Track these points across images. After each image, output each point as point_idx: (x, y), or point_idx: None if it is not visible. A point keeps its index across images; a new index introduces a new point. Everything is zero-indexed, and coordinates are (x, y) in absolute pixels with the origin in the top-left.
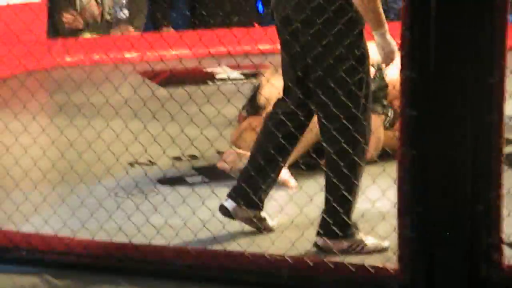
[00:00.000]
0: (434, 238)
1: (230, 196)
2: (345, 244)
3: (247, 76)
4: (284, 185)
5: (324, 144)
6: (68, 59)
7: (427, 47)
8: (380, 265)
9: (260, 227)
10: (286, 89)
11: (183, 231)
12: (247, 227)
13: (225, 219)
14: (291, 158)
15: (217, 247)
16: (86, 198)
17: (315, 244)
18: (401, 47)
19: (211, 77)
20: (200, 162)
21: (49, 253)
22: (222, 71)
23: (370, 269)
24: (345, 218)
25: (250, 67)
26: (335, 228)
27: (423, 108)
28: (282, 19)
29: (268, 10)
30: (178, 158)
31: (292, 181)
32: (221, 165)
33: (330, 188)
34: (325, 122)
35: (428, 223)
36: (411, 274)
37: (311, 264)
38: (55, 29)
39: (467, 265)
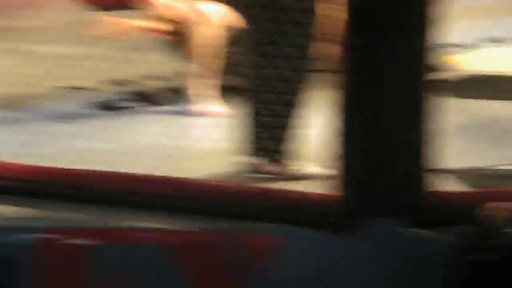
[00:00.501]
0: (376, 165)
1: None
2: (283, 167)
3: None
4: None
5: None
6: None
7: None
8: (321, 192)
9: None
10: None
11: (108, 155)
12: (172, 152)
13: (154, 144)
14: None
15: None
16: (27, 122)
17: (252, 165)
18: None
19: None
20: (136, 86)
21: None
22: None
23: (312, 196)
24: (285, 141)
25: None
26: (274, 151)
27: (363, 37)
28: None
29: None
30: (119, 83)
31: (220, 109)
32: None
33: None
34: None
35: (370, 149)
36: (351, 202)
37: (245, 189)
38: None
39: (397, 191)
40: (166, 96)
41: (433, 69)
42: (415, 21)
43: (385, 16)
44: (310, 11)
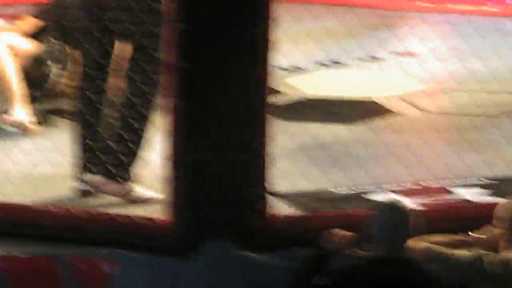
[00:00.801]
0: (204, 189)
1: None
2: (117, 186)
3: None
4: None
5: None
6: None
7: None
8: (152, 217)
9: None
10: None
11: None
12: (12, 177)
13: None
14: None
15: None
16: None
17: (83, 182)
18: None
19: None
20: None
21: None
22: None
23: (142, 221)
24: (127, 162)
25: None
26: (111, 169)
27: (194, 60)
28: None
29: None
30: None
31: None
32: None
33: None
34: None
35: (198, 174)
36: (183, 225)
37: (77, 214)
38: None
39: (234, 214)
40: None
41: (269, 92)
42: (252, 44)
43: (217, 38)
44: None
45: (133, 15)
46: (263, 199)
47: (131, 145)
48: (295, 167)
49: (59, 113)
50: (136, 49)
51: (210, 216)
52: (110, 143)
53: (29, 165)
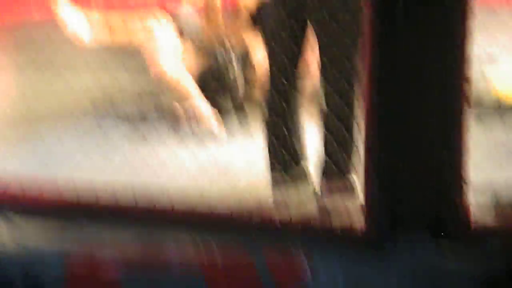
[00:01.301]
0: (401, 197)
1: None
2: (343, 183)
3: None
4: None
5: (323, 71)
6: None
7: (393, 19)
8: (348, 225)
9: None
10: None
11: (144, 172)
12: (207, 167)
13: (185, 159)
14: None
15: (177, 187)
16: (45, 136)
17: (318, 188)
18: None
19: None
20: (161, 99)
21: (9, 191)
22: None
23: (337, 230)
24: (346, 156)
25: None
26: (336, 169)
27: (390, 63)
28: None
29: None
30: (140, 97)
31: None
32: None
33: (328, 123)
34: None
35: (394, 181)
36: (378, 234)
37: (278, 224)
38: None
39: (434, 224)
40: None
41: (466, 83)
42: (449, 33)
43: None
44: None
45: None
46: (461, 190)
47: (346, 133)
48: (491, 160)
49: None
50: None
51: (406, 208)
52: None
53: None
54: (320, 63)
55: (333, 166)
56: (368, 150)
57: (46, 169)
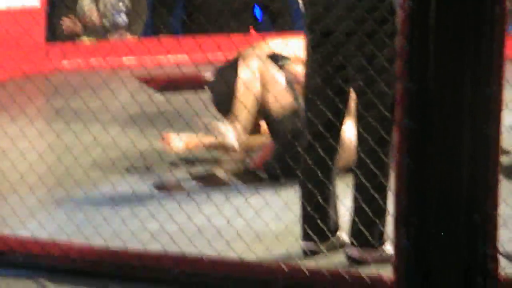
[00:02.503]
0: (430, 249)
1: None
2: (378, 253)
3: None
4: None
5: (359, 137)
6: (66, 63)
7: (426, 58)
8: (376, 276)
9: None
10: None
11: (178, 237)
12: (242, 234)
13: (221, 225)
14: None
15: (213, 253)
16: (82, 203)
17: (348, 256)
18: (400, 58)
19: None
20: (197, 167)
21: (44, 257)
22: None
23: (367, 280)
24: (380, 225)
25: None
26: (370, 237)
27: (420, 119)
28: (322, 32)
29: (265, 17)
30: (174, 164)
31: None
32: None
33: (362, 192)
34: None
35: (424, 233)
36: (407, 285)
37: (307, 273)
38: (54, 34)
39: (463, 276)
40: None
41: (500, 152)
42: (484, 103)
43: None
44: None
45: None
46: (495, 260)
47: (380, 201)
48: None
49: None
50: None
51: (436, 262)
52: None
53: (261, 222)
54: (356, 132)
55: (368, 236)
56: (398, 202)
57: (83, 234)
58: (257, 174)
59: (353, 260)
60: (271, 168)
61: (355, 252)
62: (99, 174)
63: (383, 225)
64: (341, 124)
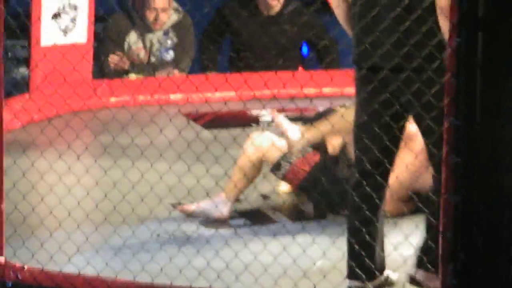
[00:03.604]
0: (477, 287)
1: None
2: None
3: (291, 119)
4: None
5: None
6: (113, 100)
7: (473, 95)
8: None
9: None
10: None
11: (225, 274)
12: (289, 271)
13: (268, 262)
14: None
15: None
16: (129, 239)
17: (412, 279)
18: (447, 94)
19: (255, 120)
20: (243, 204)
21: None
22: (267, 114)
23: None
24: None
25: (295, 110)
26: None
27: (466, 155)
28: (369, 68)
29: (311, 54)
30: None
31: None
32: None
33: (431, 223)
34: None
35: (470, 271)
36: None
37: None
38: (101, 70)
39: None
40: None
41: None
42: None
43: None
44: None
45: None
46: None
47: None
48: None
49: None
50: None
51: None
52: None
53: (307, 260)
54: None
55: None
56: (444, 238)
57: (130, 271)
58: (304, 211)
59: (416, 284)
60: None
61: (420, 274)
62: (146, 211)
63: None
64: (390, 161)
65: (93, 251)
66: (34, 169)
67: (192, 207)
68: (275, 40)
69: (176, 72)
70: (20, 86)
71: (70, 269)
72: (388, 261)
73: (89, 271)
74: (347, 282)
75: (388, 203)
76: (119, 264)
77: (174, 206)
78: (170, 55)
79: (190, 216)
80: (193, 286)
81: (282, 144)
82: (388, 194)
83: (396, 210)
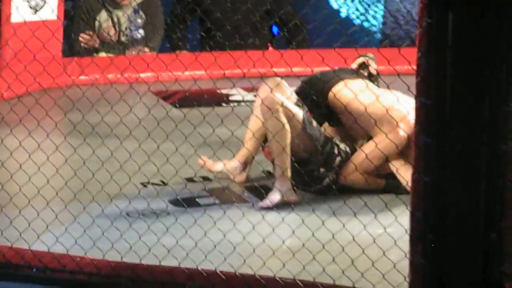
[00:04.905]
0: (446, 266)
1: None
2: None
3: None
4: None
5: None
6: (83, 78)
7: (443, 74)
8: None
9: None
10: None
11: (194, 253)
12: (258, 250)
13: (237, 241)
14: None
15: (228, 269)
16: (98, 217)
17: None
18: (417, 74)
19: (225, 98)
20: (213, 183)
21: (60, 271)
22: (237, 93)
23: None
24: None
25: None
26: None
27: (437, 135)
28: None
29: (282, 33)
30: (190, 179)
31: (293, 197)
32: None
33: None
34: None
35: (440, 250)
36: None
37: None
38: (71, 48)
39: None
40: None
41: None
42: (501, 119)
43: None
44: None
45: None
46: (511, 278)
47: None
48: None
49: None
50: None
51: None
52: None
53: (276, 239)
54: None
55: None
56: (414, 218)
57: (99, 249)
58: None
59: None
60: None
61: None
62: (115, 189)
63: None
64: None
65: (62, 229)
66: (3, 147)
67: (218, 166)
68: (245, 19)
69: (146, 50)
70: None
71: (39, 246)
72: (359, 240)
73: (58, 249)
74: None
75: (351, 174)
76: (88, 242)
77: (200, 157)
78: (140, 33)
79: (212, 173)
80: (162, 264)
81: None
82: (351, 165)
83: (358, 181)
